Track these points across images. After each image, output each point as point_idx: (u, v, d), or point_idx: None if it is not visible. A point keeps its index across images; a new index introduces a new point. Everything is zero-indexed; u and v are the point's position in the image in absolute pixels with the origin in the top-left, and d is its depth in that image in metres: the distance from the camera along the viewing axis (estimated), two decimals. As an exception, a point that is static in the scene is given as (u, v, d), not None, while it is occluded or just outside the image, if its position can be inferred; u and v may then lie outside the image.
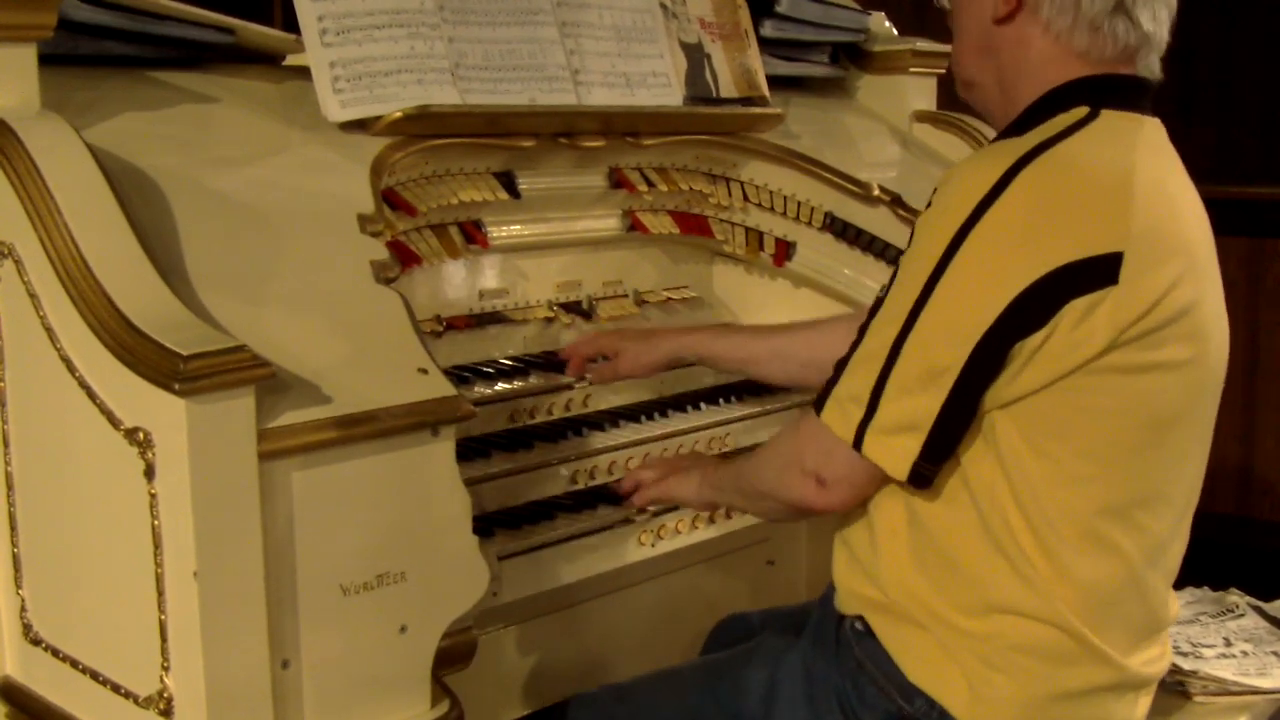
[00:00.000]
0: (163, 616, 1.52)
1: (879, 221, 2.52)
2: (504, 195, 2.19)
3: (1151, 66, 1.68)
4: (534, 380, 2.19)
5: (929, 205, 1.61)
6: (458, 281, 2.25)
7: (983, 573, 1.61)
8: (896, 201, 2.52)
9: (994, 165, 1.55)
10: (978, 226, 1.53)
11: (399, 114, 1.98)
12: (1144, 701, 1.72)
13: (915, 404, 1.56)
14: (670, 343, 2.21)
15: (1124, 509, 1.60)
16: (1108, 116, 1.61)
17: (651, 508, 2.10)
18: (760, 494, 1.81)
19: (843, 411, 1.61)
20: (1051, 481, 1.57)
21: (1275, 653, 2.22)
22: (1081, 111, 1.61)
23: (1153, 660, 1.71)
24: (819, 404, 1.65)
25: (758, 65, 2.54)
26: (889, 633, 1.68)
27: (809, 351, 2.13)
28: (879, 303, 1.63)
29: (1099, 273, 1.51)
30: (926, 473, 1.59)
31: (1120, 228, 1.53)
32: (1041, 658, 1.61)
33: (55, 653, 1.71)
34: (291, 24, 2.02)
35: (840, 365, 1.65)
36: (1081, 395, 1.54)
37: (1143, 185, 1.56)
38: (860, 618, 1.71)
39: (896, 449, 1.58)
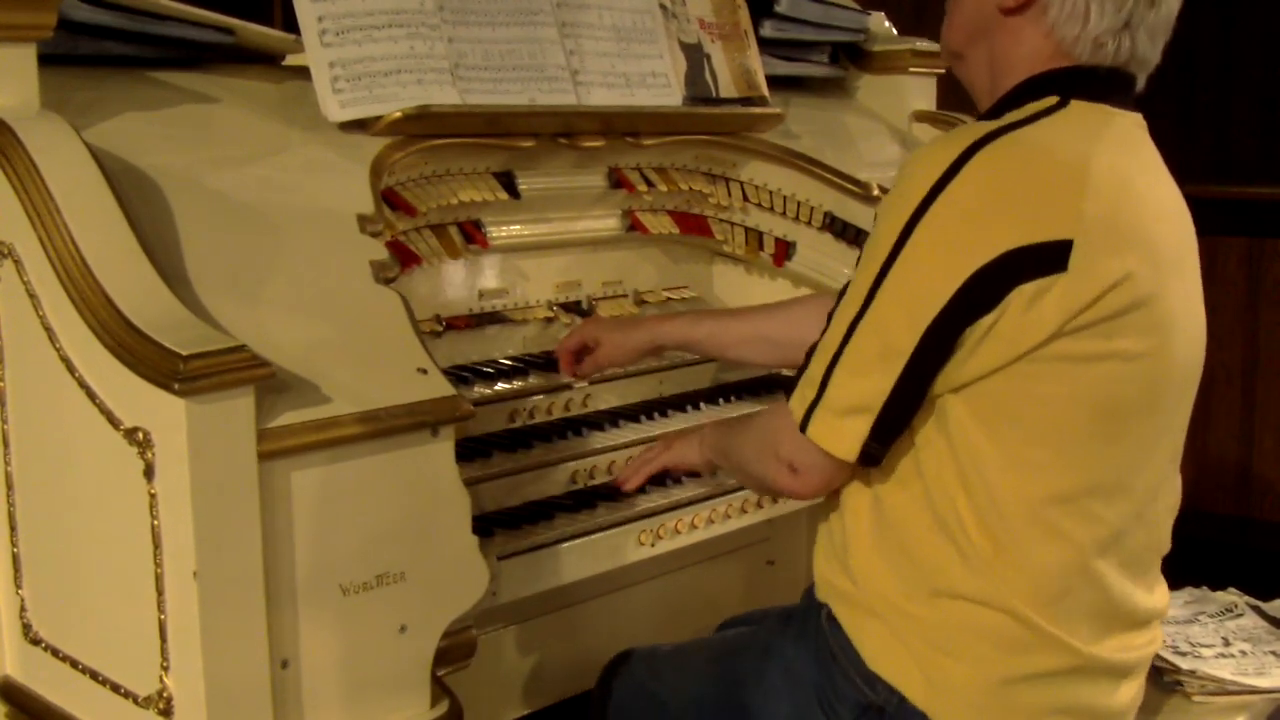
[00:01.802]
0: (162, 616, 1.52)
1: (879, 221, 2.52)
2: (504, 195, 2.19)
3: (1136, 74, 1.68)
4: (534, 380, 2.19)
5: (890, 189, 1.62)
6: (458, 281, 2.25)
7: (930, 557, 1.62)
8: (896, 201, 2.52)
9: (950, 148, 1.56)
10: (930, 209, 1.54)
11: (399, 114, 1.98)
12: (1128, 687, 1.71)
13: (866, 385, 1.57)
14: (647, 332, 2.22)
15: (1075, 497, 1.60)
16: (1077, 107, 1.62)
17: (652, 505, 2.10)
18: (744, 470, 1.84)
19: (801, 396, 1.63)
20: (1003, 466, 1.57)
21: (1274, 652, 2.22)
22: (1050, 100, 1.62)
23: (1131, 647, 1.70)
24: (789, 391, 1.67)
25: (757, 65, 2.54)
26: (850, 621, 1.69)
27: (783, 332, 2.16)
28: (845, 288, 1.64)
29: (1048, 258, 1.52)
30: (875, 453, 1.60)
31: (1071, 214, 1.53)
32: (992, 643, 1.61)
33: (55, 653, 1.71)
34: (291, 24, 2.02)
35: (809, 352, 1.66)
36: (1032, 381, 1.55)
37: (1099, 174, 1.56)
38: (827, 606, 1.72)
39: (845, 430, 1.59)
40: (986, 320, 1.53)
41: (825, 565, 1.74)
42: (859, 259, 1.63)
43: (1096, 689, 1.67)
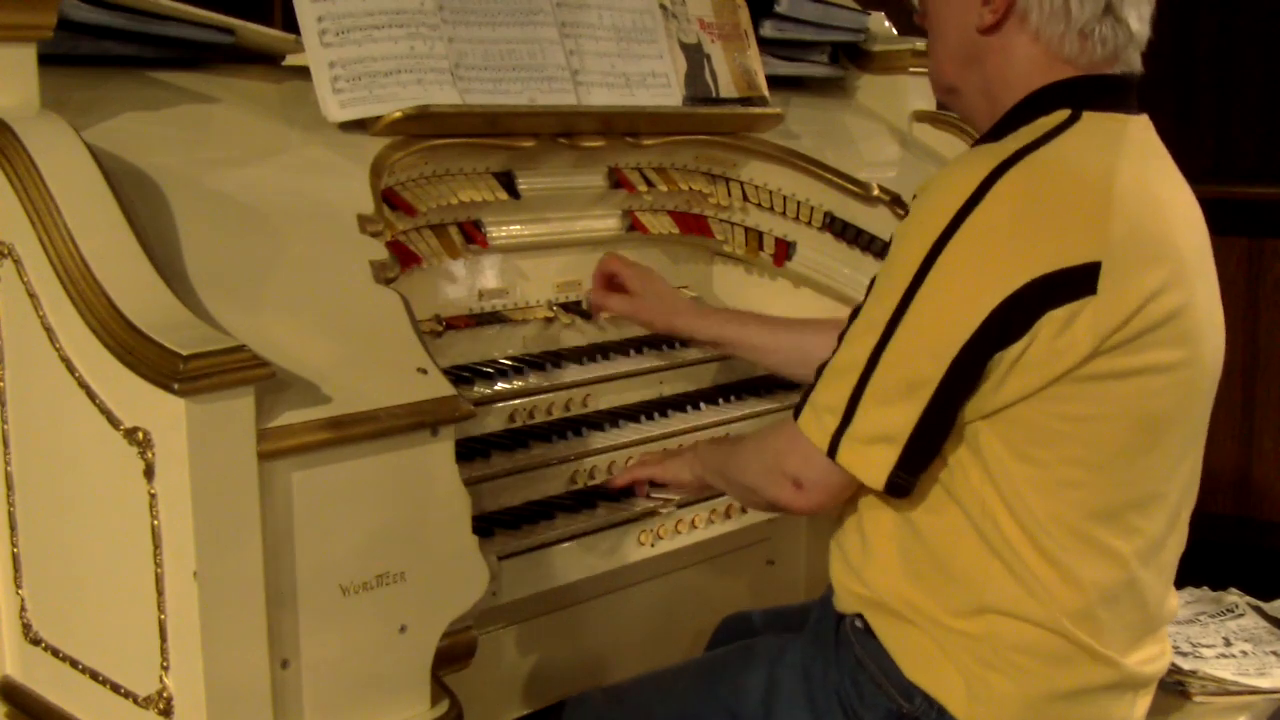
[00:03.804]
0: (163, 616, 1.52)
1: (879, 221, 2.52)
2: (504, 195, 2.19)
3: (1132, 61, 1.67)
4: (534, 380, 2.19)
5: (907, 213, 1.60)
6: (458, 281, 2.25)
7: (977, 576, 1.61)
8: (896, 201, 2.52)
9: (972, 173, 1.54)
10: (955, 237, 1.52)
11: (399, 114, 1.98)
12: (1143, 701, 1.72)
13: (892, 415, 1.56)
14: (685, 321, 2.28)
15: (1117, 512, 1.60)
16: (1090, 119, 1.60)
17: (653, 505, 2.10)
18: (743, 486, 1.83)
19: (819, 420, 1.62)
20: (1039, 488, 1.57)
21: (1275, 653, 2.22)
22: (1063, 114, 1.60)
23: (1151, 659, 1.71)
24: (797, 410, 1.66)
25: (757, 65, 2.54)
26: (887, 631, 1.68)
27: (823, 352, 2.15)
28: (857, 310, 1.62)
29: (1077, 283, 1.51)
30: (904, 483, 1.59)
31: (1098, 236, 1.52)
32: (1038, 657, 1.61)
33: (55, 653, 1.71)
34: (291, 24, 2.02)
35: (819, 373, 1.65)
36: (1066, 404, 1.54)
37: (1123, 190, 1.55)
38: (860, 616, 1.71)
39: (873, 459, 1.58)
40: (1016, 348, 1.51)
41: (846, 578, 1.73)
42: (872, 282, 1.61)
43: (1122, 702, 1.68)
